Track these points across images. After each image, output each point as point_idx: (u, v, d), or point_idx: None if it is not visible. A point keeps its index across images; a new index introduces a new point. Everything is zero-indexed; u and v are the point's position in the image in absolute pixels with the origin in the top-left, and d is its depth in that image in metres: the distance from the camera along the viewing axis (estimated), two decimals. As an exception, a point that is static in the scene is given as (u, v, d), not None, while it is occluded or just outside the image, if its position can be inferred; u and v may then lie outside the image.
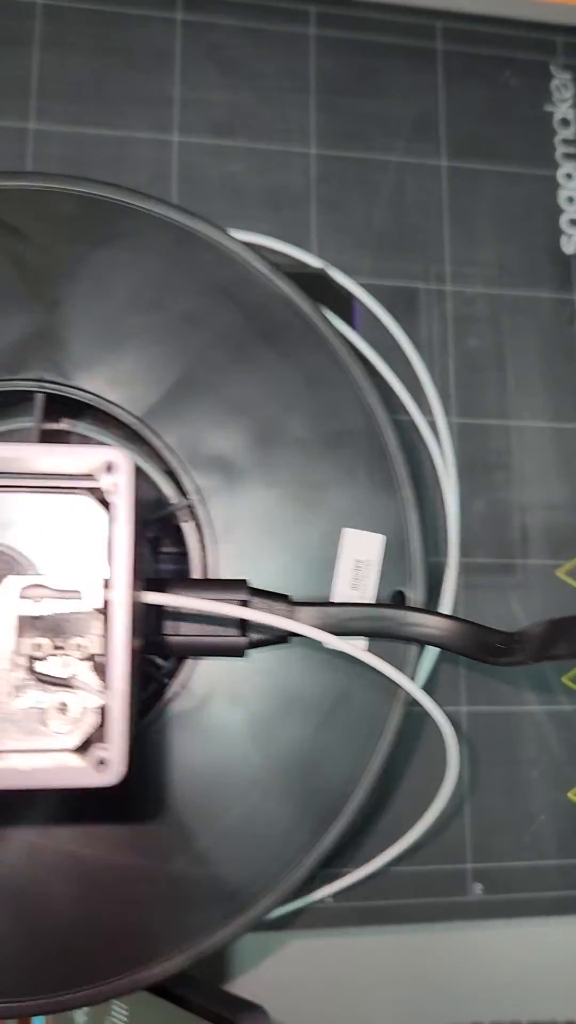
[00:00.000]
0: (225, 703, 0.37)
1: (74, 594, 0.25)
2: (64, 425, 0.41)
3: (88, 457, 0.24)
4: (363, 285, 0.49)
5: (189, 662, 0.37)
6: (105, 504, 0.27)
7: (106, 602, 0.25)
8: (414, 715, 0.38)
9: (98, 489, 0.28)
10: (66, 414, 0.41)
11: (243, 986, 0.43)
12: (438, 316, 0.50)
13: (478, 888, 0.46)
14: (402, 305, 0.51)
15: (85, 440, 0.42)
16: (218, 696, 0.37)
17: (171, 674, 0.37)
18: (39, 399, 0.37)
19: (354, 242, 0.50)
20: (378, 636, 0.36)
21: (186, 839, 0.36)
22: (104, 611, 0.25)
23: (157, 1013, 0.39)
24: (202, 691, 0.37)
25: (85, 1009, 0.38)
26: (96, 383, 0.37)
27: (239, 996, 0.40)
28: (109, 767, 0.23)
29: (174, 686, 0.36)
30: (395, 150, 0.52)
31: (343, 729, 0.37)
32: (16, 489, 0.27)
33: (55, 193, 0.38)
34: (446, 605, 0.46)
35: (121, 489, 0.24)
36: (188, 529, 0.37)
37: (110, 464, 0.24)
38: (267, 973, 0.44)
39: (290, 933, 0.43)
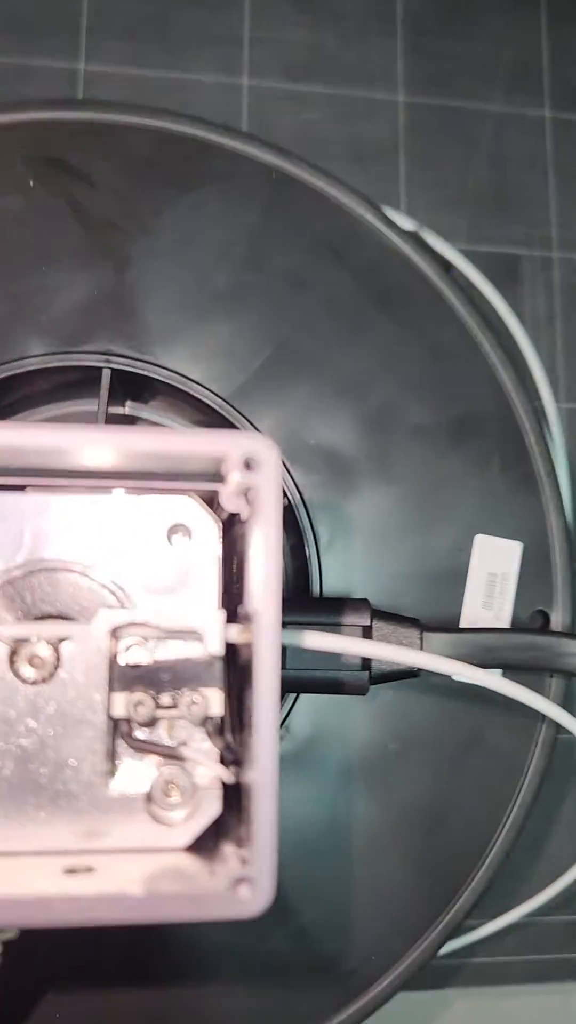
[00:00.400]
0: (332, 746, 0.30)
1: (189, 635, 0.19)
2: (128, 409, 0.35)
3: (219, 447, 0.17)
4: (459, 250, 0.43)
5: (287, 698, 0.30)
6: (215, 507, 0.21)
7: (230, 645, 0.19)
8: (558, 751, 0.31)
9: (203, 490, 0.21)
10: (131, 395, 0.34)
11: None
12: (544, 286, 0.44)
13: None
14: (502, 274, 0.45)
15: (153, 426, 0.36)
16: (323, 738, 0.30)
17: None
18: (106, 376, 0.31)
19: (447, 202, 0.44)
20: (528, 669, 0.29)
21: (287, 912, 0.29)
22: (225, 660, 0.19)
23: None
24: (303, 733, 0.30)
25: None
26: (174, 358, 0.31)
27: None
28: (255, 889, 0.16)
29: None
30: (492, 98, 0.46)
31: (475, 776, 0.31)
32: (94, 490, 0.20)
33: (126, 128, 0.32)
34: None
35: (263, 494, 0.17)
36: (283, 536, 0.31)
37: (249, 459, 0.17)
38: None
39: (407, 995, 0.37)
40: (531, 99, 0.46)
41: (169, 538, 0.21)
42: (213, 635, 0.18)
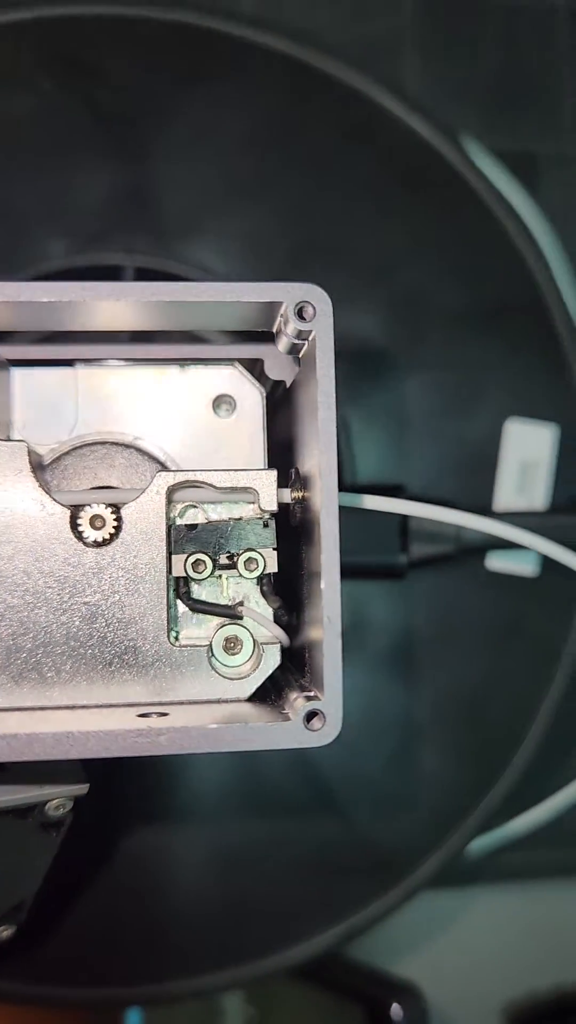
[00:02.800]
0: (371, 634, 0.30)
1: (243, 494, 0.19)
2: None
3: (272, 295, 0.17)
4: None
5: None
6: (258, 377, 0.21)
7: (283, 505, 0.19)
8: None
9: (246, 360, 0.21)
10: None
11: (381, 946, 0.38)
12: (560, 183, 0.43)
13: None
14: (519, 169, 0.43)
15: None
16: (363, 625, 0.30)
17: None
18: (129, 273, 0.30)
19: (460, 95, 0.43)
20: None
21: (331, 799, 0.30)
22: (278, 517, 0.19)
23: (285, 992, 0.34)
24: (344, 621, 0.30)
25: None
26: (198, 251, 0.31)
27: (391, 975, 0.34)
28: (326, 721, 0.16)
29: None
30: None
31: (513, 662, 0.31)
32: (144, 363, 0.20)
33: (139, 20, 0.31)
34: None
35: (319, 341, 0.17)
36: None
37: (301, 306, 0.17)
38: (410, 933, 0.38)
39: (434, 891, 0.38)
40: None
41: (215, 409, 0.21)
42: (267, 494, 0.18)
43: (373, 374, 0.31)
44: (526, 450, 0.31)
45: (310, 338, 0.18)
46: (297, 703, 0.17)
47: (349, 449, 0.31)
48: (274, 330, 0.19)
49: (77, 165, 0.31)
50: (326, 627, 0.17)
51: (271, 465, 0.20)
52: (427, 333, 0.31)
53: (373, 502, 0.21)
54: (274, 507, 0.19)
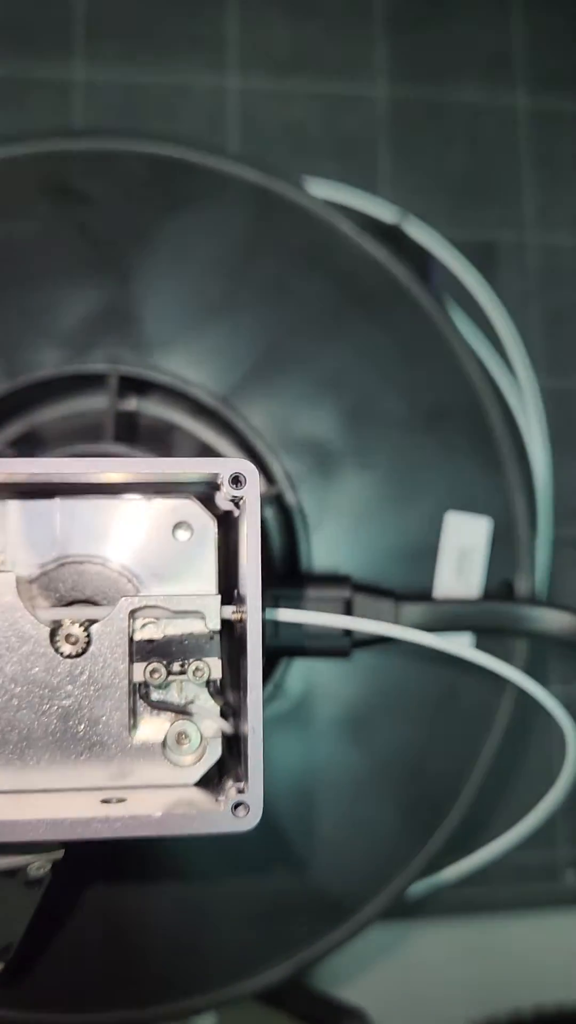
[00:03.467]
0: (322, 703, 0.34)
1: (193, 615, 0.23)
2: (132, 405, 0.39)
3: (213, 469, 0.21)
4: (440, 236, 0.46)
5: (281, 660, 0.34)
6: (210, 507, 0.25)
7: (225, 621, 0.23)
8: (523, 702, 0.35)
9: (203, 494, 0.25)
10: (136, 392, 0.38)
11: (332, 980, 0.42)
12: (519, 269, 0.47)
13: (572, 875, 0.44)
14: (479, 258, 0.47)
15: (155, 421, 0.40)
16: (314, 696, 0.34)
17: (264, 674, 0.35)
18: (113, 382, 0.34)
19: (428, 190, 0.47)
20: (492, 633, 0.34)
21: (285, 848, 0.34)
22: (223, 632, 0.23)
23: (251, 1017, 0.37)
24: (297, 691, 0.34)
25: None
26: (174, 362, 0.35)
27: (338, 1000, 0.38)
28: (249, 811, 0.20)
29: (267, 687, 0.34)
30: (470, 88, 0.48)
31: (449, 727, 0.35)
32: (112, 496, 0.24)
33: (125, 155, 0.35)
34: (536, 581, 0.43)
35: (248, 506, 0.21)
36: (271, 516, 0.35)
37: (236, 476, 0.21)
38: (358, 966, 0.42)
39: (383, 925, 0.42)
40: (506, 87, 0.49)
41: (174, 533, 0.25)
42: (212, 615, 0.22)
43: (326, 471, 0.35)
44: (463, 539, 0.35)
45: (240, 502, 0.22)
46: (230, 792, 0.21)
47: (306, 539, 0.35)
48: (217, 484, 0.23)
49: (69, 282, 0.35)
50: (250, 736, 0.21)
51: (226, 577, 0.24)
52: (374, 435, 0.35)
53: (284, 614, 0.25)
54: (217, 627, 0.23)
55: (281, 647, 0.31)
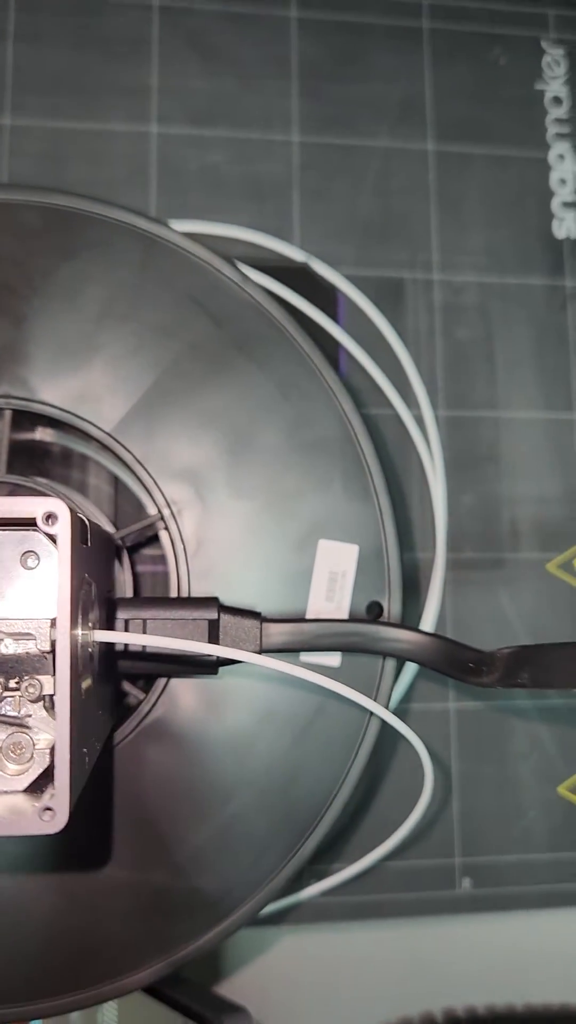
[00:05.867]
0: (201, 716, 0.37)
1: (27, 636, 0.25)
2: (39, 435, 0.41)
3: (24, 508, 0.24)
4: (347, 276, 0.48)
5: (161, 678, 0.37)
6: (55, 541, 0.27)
7: (55, 642, 0.25)
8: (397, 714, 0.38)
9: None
10: (41, 423, 0.40)
11: (233, 981, 0.44)
12: (425, 306, 0.50)
13: (467, 882, 0.46)
14: (388, 296, 0.50)
15: (65, 450, 0.42)
16: (193, 710, 0.37)
17: (145, 688, 0.37)
18: (6, 415, 0.37)
19: (338, 232, 0.50)
20: (351, 651, 0.36)
21: (165, 852, 0.36)
22: (54, 652, 0.25)
23: (146, 1012, 0.40)
24: (177, 704, 0.37)
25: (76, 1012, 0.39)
26: (64, 398, 0.37)
27: (224, 997, 0.40)
28: (54, 815, 0.23)
29: (149, 699, 0.37)
30: (380, 135, 0.51)
31: (320, 741, 0.37)
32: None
33: (20, 205, 0.38)
34: (433, 602, 0.46)
35: (59, 541, 0.23)
36: (164, 539, 0.37)
37: (49, 514, 0.23)
38: (257, 968, 0.44)
39: (281, 929, 0.44)
40: (415, 132, 0.51)
41: (24, 561, 0.27)
42: (42, 636, 0.25)
43: (206, 500, 0.37)
44: (334, 564, 0.37)
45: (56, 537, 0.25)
46: (44, 798, 0.23)
47: (186, 564, 0.37)
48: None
49: (-33, 324, 0.37)
50: (57, 746, 0.23)
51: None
52: (252, 466, 0.37)
53: (101, 635, 0.27)
54: (47, 647, 0.25)
55: (149, 669, 0.33)
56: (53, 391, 0.37)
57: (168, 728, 0.36)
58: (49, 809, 0.23)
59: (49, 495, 0.27)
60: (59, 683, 0.23)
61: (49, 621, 0.25)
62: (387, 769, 0.45)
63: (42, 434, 0.41)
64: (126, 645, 0.33)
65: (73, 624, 0.24)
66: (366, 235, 0.50)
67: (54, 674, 0.25)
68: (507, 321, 0.50)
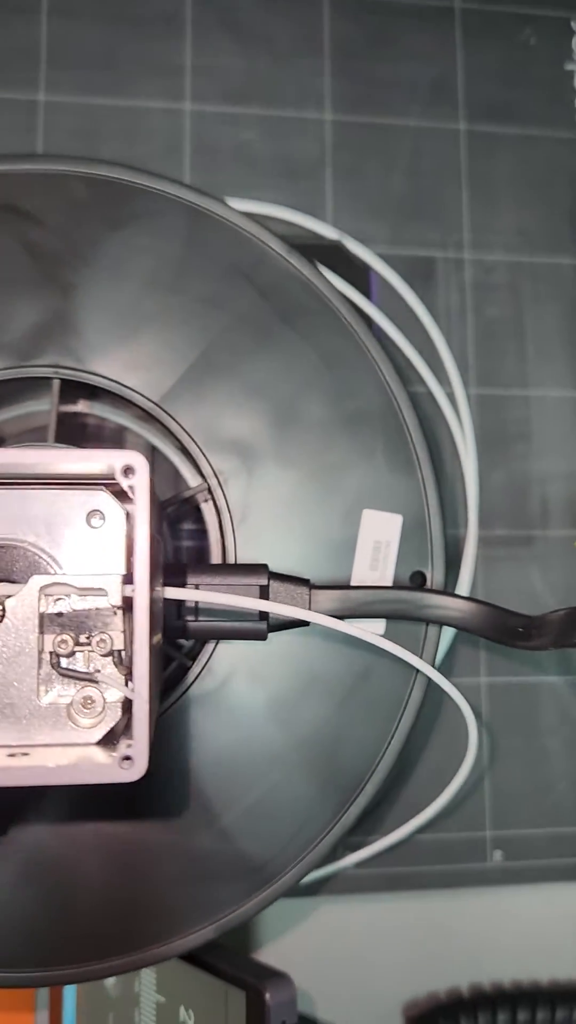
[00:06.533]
0: (246, 683, 0.37)
1: (97, 591, 0.25)
2: (81, 407, 0.42)
3: (105, 461, 0.24)
4: (380, 255, 0.49)
5: (210, 643, 0.37)
6: (122, 498, 0.28)
7: (126, 598, 0.26)
8: (435, 687, 0.38)
9: (115, 483, 0.28)
10: (83, 395, 0.41)
11: (270, 950, 0.45)
12: (456, 285, 0.50)
13: (498, 855, 0.46)
14: (419, 274, 0.50)
15: (101, 422, 0.42)
16: (239, 676, 0.37)
17: (193, 655, 0.37)
18: (55, 385, 0.37)
19: (370, 210, 0.49)
20: (397, 618, 0.36)
21: (210, 816, 0.36)
22: (124, 607, 0.26)
23: (186, 979, 0.40)
24: (223, 672, 0.37)
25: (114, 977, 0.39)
26: (112, 368, 0.38)
27: (265, 964, 0.41)
28: (133, 764, 0.23)
29: (196, 667, 0.37)
30: (412, 114, 0.51)
31: (364, 707, 0.38)
32: (35, 486, 0.27)
33: (68, 176, 0.38)
34: (465, 578, 0.46)
35: (138, 493, 0.24)
36: (207, 510, 0.38)
37: (127, 467, 0.24)
38: (294, 937, 0.45)
39: (317, 899, 0.44)
40: (447, 112, 0.51)
41: (89, 520, 0.27)
42: (114, 591, 0.25)
43: (252, 470, 0.38)
44: (378, 534, 0.38)
45: (132, 489, 0.25)
46: (120, 747, 0.24)
47: (232, 531, 0.37)
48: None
49: (14, 294, 0.38)
50: (135, 699, 0.23)
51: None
52: (297, 437, 0.38)
53: (172, 592, 0.28)
54: (118, 602, 0.25)
55: (202, 630, 0.34)
56: (101, 361, 0.37)
57: (214, 694, 0.37)
58: (128, 758, 0.23)
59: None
60: (138, 635, 0.23)
61: (120, 576, 0.26)
62: (423, 741, 0.45)
63: (82, 405, 0.41)
64: (178, 610, 0.33)
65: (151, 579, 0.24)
66: (398, 214, 0.50)
67: (125, 629, 0.25)
68: (537, 299, 0.51)
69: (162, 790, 0.36)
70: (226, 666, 0.37)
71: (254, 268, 0.38)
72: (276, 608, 0.29)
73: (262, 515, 0.37)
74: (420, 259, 0.50)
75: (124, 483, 0.24)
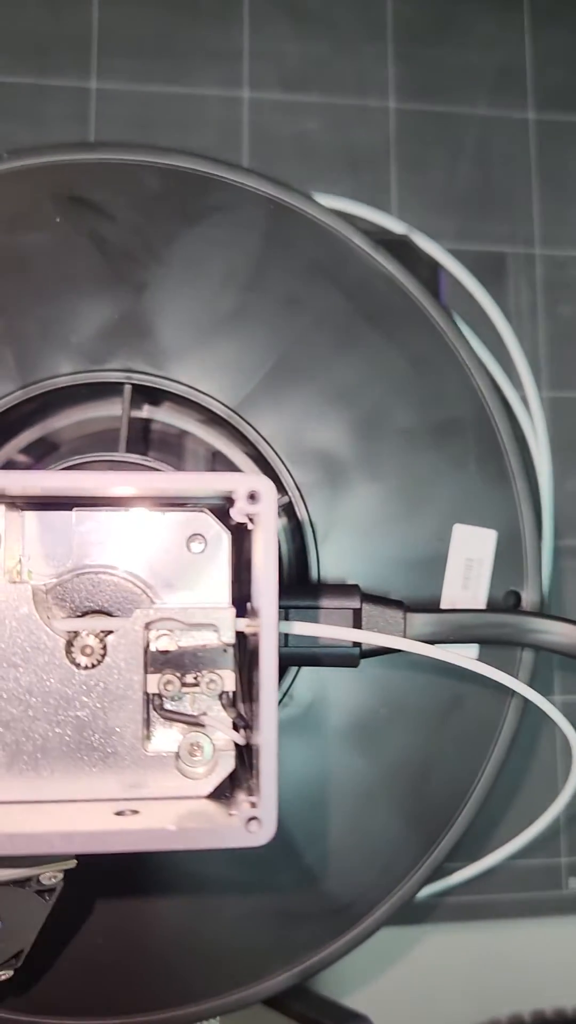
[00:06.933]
0: (330, 711, 0.35)
1: (207, 627, 0.23)
2: (145, 412, 0.39)
3: (228, 485, 0.21)
4: (447, 250, 0.46)
5: (291, 669, 0.35)
6: (223, 519, 0.25)
7: (240, 633, 0.23)
8: (529, 712, 0.36)
9: (217, 504, 0.26)
10: (148, 400, 0.38)
11: (328, 976, 0.42)
12: (527, 282, 0.48)
13: (574, 883, 0.44)
14: (488, 271, 0.48)
15: (164, 427, 0.40)
16: (323, 704, 0.35)
17: (274, 681, 0.35)
18: (127, 391, 0.35)
19: (436, 204, 0.47)
20: (498, 644, 0.34)
21: (292, 854, 0.34)
22: (236, 645, 0.23)
23: (255, 1020, 0.38)
24: (306, 699, 0.35)
25: None
26: (187, 372, 0.35)
27: (341, 1004, 0.38)
28: (261, 826, 0.21)
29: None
30: (479, 102, 0.49)
31: (455, 736, 0.35)
32: (126, 507, 0.24)
33: (139, 166, 0.35)
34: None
35: (264, 521, 0.21)
36: (284, 526, 0.35)
37: (252, 493, 0.21)
38: (354, 962, 0.43)
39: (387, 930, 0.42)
40: (515, 102, 0.49)
41: (188, 545, 0.25)
42: (226, 628, 0.23)
43: (335, 484, 0.35)
44: (470, 551, 0.35)
45: (255, 517, 0.22)
46: (243, 807, 0.21)
47: (315, 548, 0.35)
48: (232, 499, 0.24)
49: (83, 293, 0.35)
50: (263, 750, 0.21)
51: (238, 588, 0.25)
52: (383, 447, 0.35)
53: (300, 628, 0.25)
54: (231, 640, 0.23)
55: (291, 656, 0.31)
56: (175, 365, 0.35)
57: (296, 723, 0.34)
58: (255, 819, 0.21)
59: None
60: (264, 677, 0.21)
61: (232, 610, 0.23)
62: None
63: (146, 412, 0.39)
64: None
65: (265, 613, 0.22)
66: (466, 207, 0.48)
67: (236, 668, 0.23)
68: (613, 298, 0.48)
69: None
70: (308, 693, 0.35)
71: (338, 265, 0.36)
72: (386, 641, 0.27)
73: (346, 531, 0.35)
74: (489, 255, 0.48)
75: (246, 510, 0.22)
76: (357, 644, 0.32)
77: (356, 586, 0.33)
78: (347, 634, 0.27)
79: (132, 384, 0.35)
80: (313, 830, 0.34)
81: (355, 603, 0.32)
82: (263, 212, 0.36)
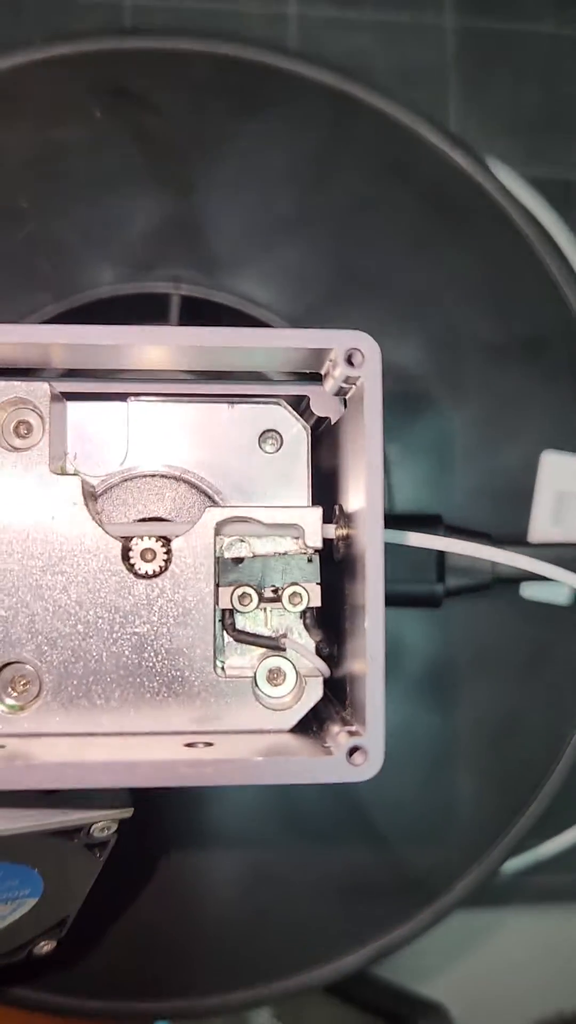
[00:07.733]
0: (404, 659, 0.31)
1: (289, 530, 0.19)
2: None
3: (324, 341, 0.18)
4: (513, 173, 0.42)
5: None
6: (301, 414, 0.22)
7: (327, 540, 0.19)
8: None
9: (291, 397, 0.22)
10: (195, 320, 0.35)
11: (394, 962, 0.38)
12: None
13: None
14: (556, 197, 0.44)
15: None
16: (395, 651, 0.31)
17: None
18: (175, 303, 0.31)
19: (500, 127, 0.43)
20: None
21: (365, 822, 0.30)
22: (322, 552, 0.20)
23: (313, 1007, 0.34)
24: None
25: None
26: (242, 283, 0.31)
27: (417, 994, 0.35)
28: (367, 757, 0.17)
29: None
30: (545, 18, 0.45)
31: (544, 688, 0.31)
32: (198, 399, 0.21)
33: (190, 55, 0.32)
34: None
35: (368, 385, 0.17)
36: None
37: (352, 352, 0.18)
38: (439, 952, 0.39)
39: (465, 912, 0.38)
40: (583, 19, 0.45)
41: (260, 443, 0.21)
42: (313, 531, 0.19)
43: (410, 405, 0.31)
44: (561, 482, 0.31)
45: (358, 383, 0.19)
46: (340, 737, 0.18)
47: (387, 478, 0.31)
48: (322, 372, 0.20)
49: (125, 195, 0.32)
50: (370, 665, 0.17)
51: (313, 498, 0.21)
52: (463, 365, 0.32)
53: (416, 539, 0.22)
54: (319, 544, 0.19)
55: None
56: (228, 275, 0.31)
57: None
58: (359, 750, 0.17)
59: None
60: (370, 585, 0.17)
61: (319, 510, 0.19)
62: None
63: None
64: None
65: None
66: (531, 131, 0.44)
67: (320, 581, 0.19)
68: None
69: (308, 791, 0.30)
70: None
71: (410, 163, 0.32)
72: (524, 563, 0.23)
73: (423, 459, 0.31)
74: (558, 182, 0.45)
75: (344, 375, 0.18)
76: (441, 580, 0.28)
77: (438, 516, 0.29)
78: (481, 551, 0.23)
79: (181, 295, 0.31)
80: (383, 795, 0.31)
81: (438, 533, 0.28)
82: (326, 105, 0.32)
